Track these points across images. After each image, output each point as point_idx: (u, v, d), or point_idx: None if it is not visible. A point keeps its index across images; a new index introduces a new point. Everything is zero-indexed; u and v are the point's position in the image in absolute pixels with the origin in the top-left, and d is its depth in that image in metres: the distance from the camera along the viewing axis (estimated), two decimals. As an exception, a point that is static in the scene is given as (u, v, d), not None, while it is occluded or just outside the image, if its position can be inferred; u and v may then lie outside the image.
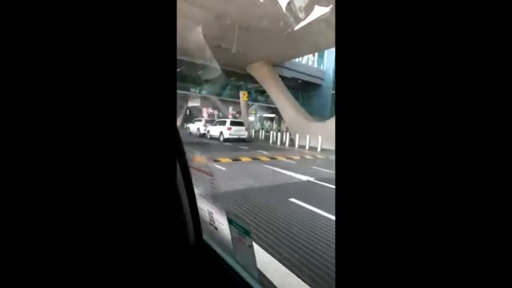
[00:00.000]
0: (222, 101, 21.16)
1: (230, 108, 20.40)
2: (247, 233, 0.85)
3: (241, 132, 13.53)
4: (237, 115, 18.92)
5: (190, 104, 21.76)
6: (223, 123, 13.85)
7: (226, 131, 13.14)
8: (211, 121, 15.49)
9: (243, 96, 16.54)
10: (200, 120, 16.29)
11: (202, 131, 15.16)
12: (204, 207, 0.89)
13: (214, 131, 13.90)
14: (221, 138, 13.23)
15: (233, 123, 13.70)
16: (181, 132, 0.80)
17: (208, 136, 14.32)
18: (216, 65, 13.34)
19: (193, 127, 16.48)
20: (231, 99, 20.59)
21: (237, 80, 19.98)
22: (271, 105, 18.74)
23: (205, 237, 0.89)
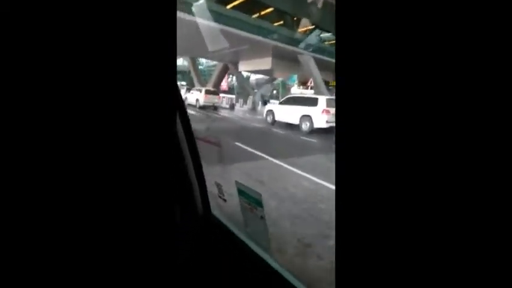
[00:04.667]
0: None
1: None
2: (258, 203, 0.78)
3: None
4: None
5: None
6: None
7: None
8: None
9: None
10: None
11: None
12: (212, 179, 0.84)
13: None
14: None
15: None
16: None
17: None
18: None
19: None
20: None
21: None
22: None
23: (214, 211, 0.86)
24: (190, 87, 15.68)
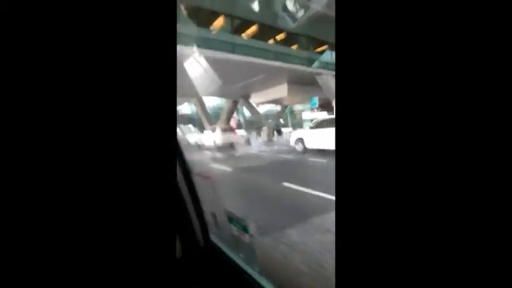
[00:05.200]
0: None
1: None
2: (245, 229, 0.88)
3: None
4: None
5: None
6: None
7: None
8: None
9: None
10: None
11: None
12: (207, 209, 0.96)
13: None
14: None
15: None
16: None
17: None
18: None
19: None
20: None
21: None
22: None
23: (212, 237, 0.96)
24: (201, 130, 15.63)
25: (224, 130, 12.31)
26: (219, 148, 11.18)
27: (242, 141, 13.56)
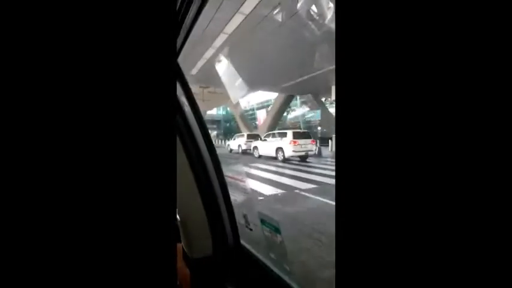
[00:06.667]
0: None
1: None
2: (277, 230, 0.90)
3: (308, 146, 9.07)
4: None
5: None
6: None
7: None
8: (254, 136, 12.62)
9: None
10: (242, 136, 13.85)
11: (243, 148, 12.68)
12: (239, 211, 1.00)
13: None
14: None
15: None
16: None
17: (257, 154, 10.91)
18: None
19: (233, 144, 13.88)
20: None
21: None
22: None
23: (242, 240, 0.98)
24: (235, 135, 15.25)
25: (297, 136, 9.35)
26: (286, 160, 8.91)
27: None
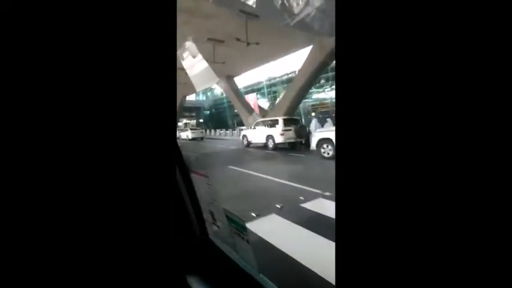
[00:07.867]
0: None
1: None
2: (244, 228, 0.88)
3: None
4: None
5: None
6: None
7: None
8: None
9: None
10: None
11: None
12: (205, 207, 0.97)
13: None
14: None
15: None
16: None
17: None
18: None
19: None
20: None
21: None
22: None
23: (210, 236, 0.97)
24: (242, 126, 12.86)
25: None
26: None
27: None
